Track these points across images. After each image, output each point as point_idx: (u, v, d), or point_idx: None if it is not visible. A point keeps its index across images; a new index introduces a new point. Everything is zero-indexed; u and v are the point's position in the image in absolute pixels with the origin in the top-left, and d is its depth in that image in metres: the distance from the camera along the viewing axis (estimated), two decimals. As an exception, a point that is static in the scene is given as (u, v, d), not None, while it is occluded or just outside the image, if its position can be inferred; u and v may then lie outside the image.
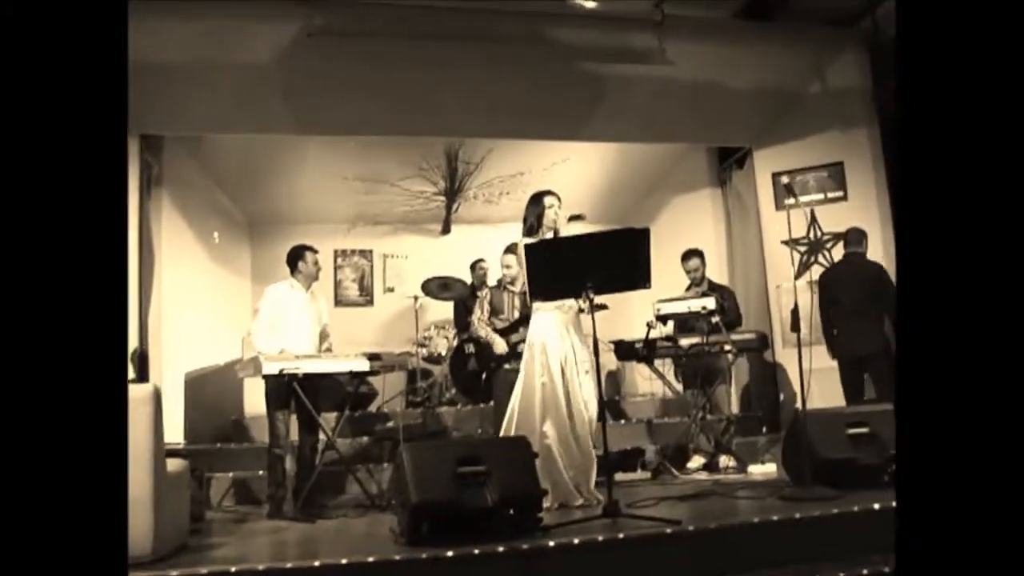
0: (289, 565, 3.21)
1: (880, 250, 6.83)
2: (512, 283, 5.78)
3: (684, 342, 6.09)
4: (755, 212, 7.73)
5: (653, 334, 6.05)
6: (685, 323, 6.27)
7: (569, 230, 4.73)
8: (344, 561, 3.20)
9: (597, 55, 6.83)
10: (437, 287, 7.95)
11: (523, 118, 7.01)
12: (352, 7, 6.32)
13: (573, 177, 8.28)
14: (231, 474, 5.74)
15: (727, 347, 5.98)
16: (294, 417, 5.27)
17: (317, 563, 3.18)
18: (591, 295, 4.11)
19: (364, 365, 5.27)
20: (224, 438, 6.76)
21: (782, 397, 7.29)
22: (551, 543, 3.35)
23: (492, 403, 5.91)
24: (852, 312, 6.20)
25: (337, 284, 9.24)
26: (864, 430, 4.45)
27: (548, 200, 4.74)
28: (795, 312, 4.65)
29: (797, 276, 7.24)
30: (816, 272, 7.01)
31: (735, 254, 8.31)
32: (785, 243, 6.81)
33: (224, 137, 7.42)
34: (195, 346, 7.11)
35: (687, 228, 8.21)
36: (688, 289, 6.62)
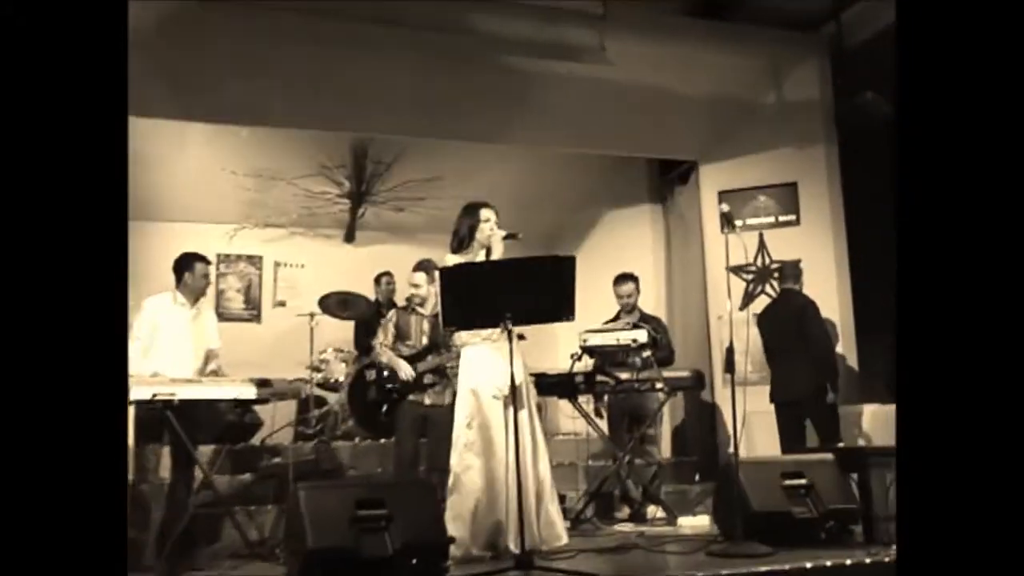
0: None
1: (833, 280, 7.16)
2: (422, 304, 5.85)
3: (611, 379, 6.13)
4: (698, 233, 7.94)
5: (577, 367, 6.16)
6: (614, 356, 6.36)
7: (503, 250, 4.69)
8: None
9: (528, 49, 6.92)
10: (336, 303, 7.90)
11: (441, 115, 7.06)
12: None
13: (494, 185, 8.15)
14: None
15: (659, 385, 6.09)
16: (166, 450, 5.23)
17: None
18: (510, 326, 4.23)
19: (251, 392, 5.13)
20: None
21: (719, 441, 7.52)
22: (455, 597, 3.47)
23: (394, 438, 5.97)
24: (784, 352, 6.53)
25: (219, 295, 9.05)
26: (801, 481, 4.63)
27: (484, 213, 4.78)
28: (730, 351, 4.81)
29: (742, 307, 7.50)
30: (762, 304, 7.23)
31: (674, 279, 8.54)
32: (730, 270, 6.88)
33: (92, 118, 7.31)
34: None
35: (622, 248, 8.43)
36: (617, 316, 6.74)
